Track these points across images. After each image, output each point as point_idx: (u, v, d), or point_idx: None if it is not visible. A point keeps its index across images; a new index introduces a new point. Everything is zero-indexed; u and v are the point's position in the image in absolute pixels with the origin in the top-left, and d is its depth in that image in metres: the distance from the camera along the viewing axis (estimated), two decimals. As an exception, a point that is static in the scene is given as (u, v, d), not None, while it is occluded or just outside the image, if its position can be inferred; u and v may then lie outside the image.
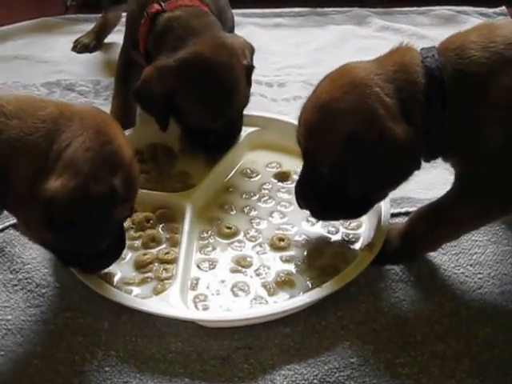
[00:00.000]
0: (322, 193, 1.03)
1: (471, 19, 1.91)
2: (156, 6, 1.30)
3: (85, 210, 0.89)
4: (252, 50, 1.33)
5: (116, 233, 0.99)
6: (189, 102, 1.22)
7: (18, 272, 1.08)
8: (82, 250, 0.96)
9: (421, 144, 0.97)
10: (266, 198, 1.24)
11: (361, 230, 1.16)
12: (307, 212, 1.19)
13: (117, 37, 1.68)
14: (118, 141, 0.94)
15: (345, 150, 0.96)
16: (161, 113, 1.25)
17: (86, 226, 0.91)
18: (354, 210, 1.05)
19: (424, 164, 1.02)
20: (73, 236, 0.92)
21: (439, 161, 1.31)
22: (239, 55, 1.26)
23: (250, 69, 1.29)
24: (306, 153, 1.04)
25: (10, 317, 1.02)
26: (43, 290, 1.05)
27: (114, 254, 1.02)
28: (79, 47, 1.75)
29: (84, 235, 0.92)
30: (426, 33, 1.85)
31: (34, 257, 1.11)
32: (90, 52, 1.74)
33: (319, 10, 1.96)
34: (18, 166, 0.89)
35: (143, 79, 1.24)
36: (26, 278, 1.07)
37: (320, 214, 1.08)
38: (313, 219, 1.18)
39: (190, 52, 1.22)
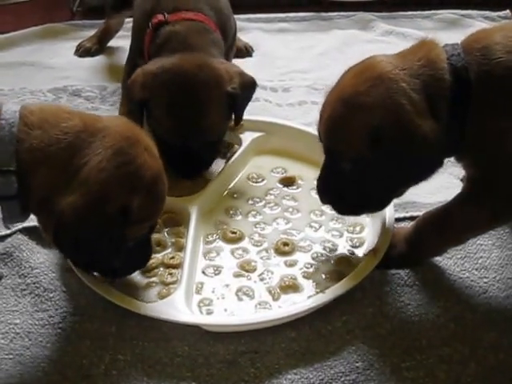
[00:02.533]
0: (344, 188, 1.01)
1: (476, 23, 1.91)
2: (159, 17, 1.30)
3: (90, 231, 0.90)
4: (249, 82, 1.26)
5: (136, 248, 0.99)
6: (157, 109, 1.21)
7: (26, 277, 1.09)
8: (89, 266, 0.98)
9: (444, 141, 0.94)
10: (271, 203, 1.24)
11: (364, 233, 1.16)
12: (311, 217, 1.20)
13: (123, 42, 1.69)
14: (138, 161, 0.92)
15: (370, 145, 0.94)
16: (138, 115, 1.25)
17: (91, 246, 0.91)
18: (374, 205, 1.03)
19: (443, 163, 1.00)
20: (76, 252, 0.93)
21: (445, 165, 1.32)
22: (223, 79, 1.21)
23: (234, 97, 1.22)
24: (329, 148, 1.01)
25: (17, 321, 1.02)
26: (51, 295, 1.06)
27: (134, 266, 1.03)
28: (81, 51, 1.77)
29: (89, 253, 0.93)
30: (430, 37, 1.85)
31: (41, 261, 1.11)
32: (92, 56, 1.76)
33: (324, 14, 1.97)
34: (37, 174, 0.90)
35: (132, 79, 1.25)
36: (34, 283, 1.08)
37: (342, 209, 1.06)
38: (316, 225, 1.18)
39: (171, 61, 1.22)
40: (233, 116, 1.29)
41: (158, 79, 1.21)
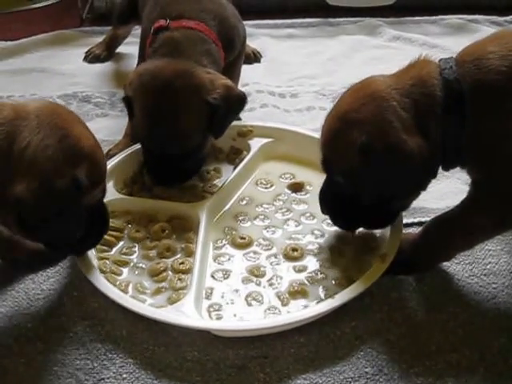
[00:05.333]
0: (340, 201, 1.05)
1: (482, 28, 1.92)
2: (161, 22, 1.32)
3: (53, 206, 0.92)
4: (236, 97, 1.23)
5: (95, 214, 1.02)
6: (136, 109, 1.23)
7: (41, 283, 1.10)
8: (60, 241, 0.99)
9: (437, 155, 0.98)
10: (280, 208, 1.25)
11: (373, 239, 1.16)
12: (318, 224, 1.20)
13: (132, 48, 1.70)
14: (75, 132, 0.95)
15: (358, 158, 0.98)
16: (129, 114, 1.27)
17: (58, 220, 0.93)
18: (373, 220, 1.07)
19: (437, 174, 1.03)
20: (47, 231, 0.95)
21: (452, 170, 1.32)
22: (202, 88, 1.19)
23: (214, 107, 1.19)
24: (324, 161, 1.06)
25: (30, 325, 1.04)
26: (64, 299, 1.07)
27: (99, 233, 1.06)
28: (90, 57, 1.79)
29: (58, 228, 0.95)
30: (437, 42, 1.86)
31: (56, 270, 1.13)
32: (102, 62, 1.78)
33: (331, 20, 1.98)
34: None
35: (128, 79, 1.28)
36: (50, 289, 1.09)
37: (340, 222, 1.10)
38: (319, 233, 1.18)
39: (155, 64, 1.24)
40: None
41: (140, 79, 1.23)
